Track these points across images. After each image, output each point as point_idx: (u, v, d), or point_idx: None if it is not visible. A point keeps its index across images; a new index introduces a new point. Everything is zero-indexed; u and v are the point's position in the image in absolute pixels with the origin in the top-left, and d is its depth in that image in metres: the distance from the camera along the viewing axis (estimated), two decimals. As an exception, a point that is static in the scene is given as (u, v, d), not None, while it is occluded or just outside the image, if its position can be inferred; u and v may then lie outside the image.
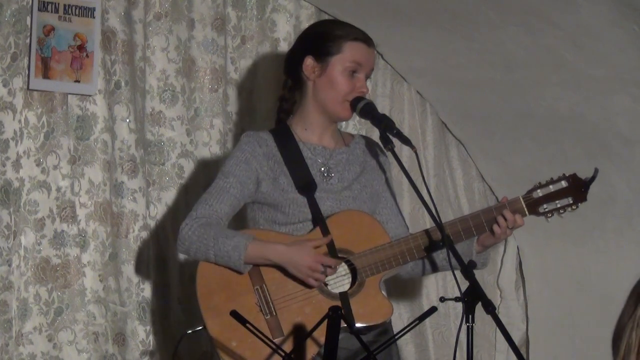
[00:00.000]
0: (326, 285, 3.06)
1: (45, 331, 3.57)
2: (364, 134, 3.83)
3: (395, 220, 3.27)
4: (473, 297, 2.68)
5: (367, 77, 3.19)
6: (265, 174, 3.12)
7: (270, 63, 4.04)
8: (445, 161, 4.43)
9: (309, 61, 3.17)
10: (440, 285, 4.31)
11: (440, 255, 3.17)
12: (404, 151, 3.78)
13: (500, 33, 3.84)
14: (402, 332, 2.77)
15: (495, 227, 3.08)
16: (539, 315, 4.47)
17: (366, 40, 3.18)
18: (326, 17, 4.12)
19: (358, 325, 3.02)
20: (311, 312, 2.99)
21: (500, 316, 3.05)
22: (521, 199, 3.12)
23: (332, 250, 3.06)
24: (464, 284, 2.74)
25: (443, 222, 3.02)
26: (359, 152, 3.27)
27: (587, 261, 4.27)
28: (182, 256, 3.89)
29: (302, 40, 3.26)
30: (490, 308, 2.63)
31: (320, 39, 3.18)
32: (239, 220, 3.85)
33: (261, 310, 3.00)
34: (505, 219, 3.08)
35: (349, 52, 3.14)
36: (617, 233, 4.14)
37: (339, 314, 2.61)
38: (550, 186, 3.12)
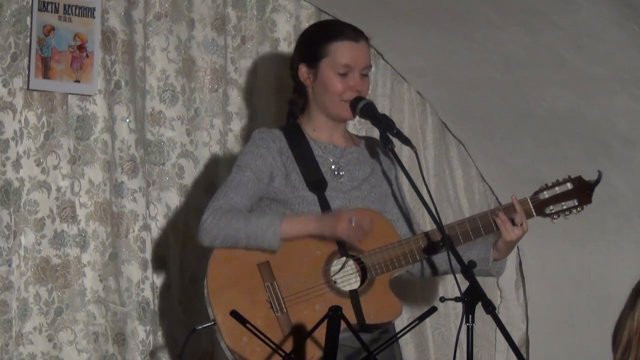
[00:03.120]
0: (335, 283, 3.06)
1: (45, 331, 3.57)
2: (364, 134, 3.83)
3: (405, 220, 3.29)
4: (473, 297, 2.68)
5: (364, 73, 3.18)
6: (279, 169, 3.12)
7: (270, 63, 4.04)
8: (445, 161, 4.43)
9: (302, 69, 3.18)
10: (440, 285, 4.32)
11: (441, 258, 3.18)
12: (404, 151, 3.78)
13: (500, 33, 3.84)
14: (402, 332, 2.78)
15: (499, 222, 3.10)
16: (539, 315, 4.48)
17: (353, 36, 3.17)
18: (326, 17, 4.12)
19: (368, 323, 3.03)
20: (321, 309, 2.98)
21: (500, 316, 3.06)
22: (528, 200, 3.14)
23: (343, 248, 3.07)
24: (464, 284, 2.74)
25: (450, 222, 3.05)
26: (368, 152, 3.27)
27: (587, 261, 4.27)
28: (181, 256, 3.89)
29: (296, 47, 3.28)
30: (490, 308, 2.63)
31: (308, 45, 3.20)
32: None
33: (272, 307, 3.01)
34: (501, 219, 3.10)
35: (336, 54, 3.14)
36: (617, 233, 4.14)
37: (339, 314, 2.61)
38: (556, 188, 3.16)
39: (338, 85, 3.14)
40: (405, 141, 3.04)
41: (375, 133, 3.23)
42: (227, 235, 3.01)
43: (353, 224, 2.99)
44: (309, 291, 3.03)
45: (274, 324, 2.98)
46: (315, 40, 3.18)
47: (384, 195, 3.26)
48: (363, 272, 3.07)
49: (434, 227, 3.09)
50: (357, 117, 3.23)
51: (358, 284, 3.08)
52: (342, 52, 3.14)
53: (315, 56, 3.15)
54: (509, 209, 3.13)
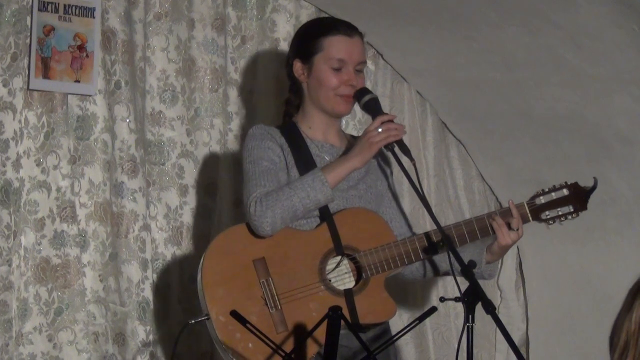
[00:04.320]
0: (330, 281, 3.06)
1: (45, 331, 3.57)
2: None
3: (399, 220, 3.28)
4: (473, 297, 2.68)
5: (358, 69, 3.17)
6: (283, 162, 3.12)
7: (270, 63, 4.04)
8: (445, 161, 4.43)
9: (297, 64, 3.19)
10: (440, 285, 4.31)
11: (442, 258, 3.17)
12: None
13: (500, 33, 3.84)
14: (402, 332, 2.78)
15: (495, 226, 3.09)
16: (539, 315, 4.47)
17: (346, 31, 3.17)
18: (318, 17, 4.11)
19: (362, 323, 3.02)
20: (315, 308, 2.99)
21: (500, 316, 3.06)
22: (525, 205, 3.14)
23: (339, 247, 3.06)
24: (464, 284, 2.74)
25: (447, 224, 3.04)
26: None
27: (587, 261, 4.27)
28: (182, 256, 3.89)
29: (291, 44, 3.29)
30: (490, 308, 2.63)
31: (302, 40, 3.21)
32: (241, 219, 3.85)
33: (266, 304, 3.00)
34: (497, 223, 3.10)
35: (330, 49, 3.14)
36: (617, 233, 4.14)
37: (338, 314, 2.61)
38: (552, 193, 3.17)
39: (332, 80, 3.14)
40: (405, 151, 3.01)
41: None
42: (282, 208, 2.98)
43: (382, 131, 3.01)
44: (304, 289, 3.03)
45: (267, 321, 2.97)
46: (309, 36, 3.18)
47: (379, 195, 3.26)
48: (358, 271, 3.07)
49: (431, 228, 3.09)
50: (357, 117, 3.23)
51: (353, 283, 3.07)
52: (336, 46, 3.14)
53: (310, 51, 3.16)
54: (505, 213, 3.13)
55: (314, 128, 3.21)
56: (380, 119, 3.03)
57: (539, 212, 3.16)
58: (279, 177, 3.09)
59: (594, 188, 3.15)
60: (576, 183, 3.18)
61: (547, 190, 3.18)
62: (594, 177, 3.14)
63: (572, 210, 3.17)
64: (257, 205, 2.99)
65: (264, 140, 3.12)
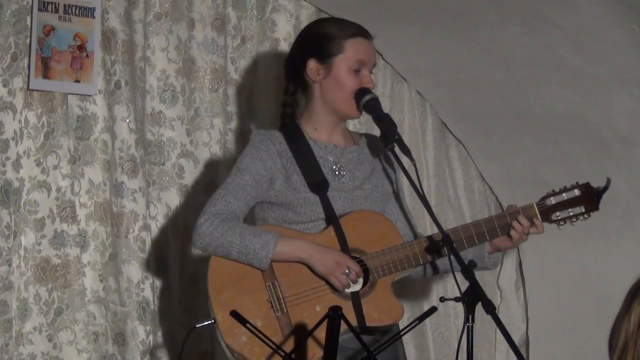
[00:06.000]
0: None
1: (45, 331, 3.57)
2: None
3: (403, 220, 3.28)
4: (473, 297, 2.68)
5: (371, 70, 3.19)
6: (279, 172, 3.11)
7: (270, 63, 4.04)
8: (445, 161, 4.43)
9: (312, 64, 3.15)
10: (440, 285, 4.31)
11: (444, 258, 3.17)
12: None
13: (500, 33, 3.84)
14: (402, 332, 2.78)
15: (513, 233, 3.10)
16: (539, 315, 4.48)
17: (364, 33, 3.17)
18: (326, 17, 4.11)
19: (368, 325, 3.02)
20: (322, 311, 2.97)
21: (500, 316, 3.06)
22: (535, 206, 3.13)
23: (345, 250, 3.05)
24: (464, 284, 2.74)
25: (456, 225, 3.05)
26: (368, 151, 3.26)
27: (587, 261, 4.27)
28: (181, 256, 3.89)
29: (301, 44, 3.23)
30: (490, 308, 2.63)
31: (319, 41, 3.15)
32: (245, 221, 3.85)
33: (272, 307, 3.00)
34: (521, 224, 3.09)
35: (351, 51, 3.13)
36: (617, 233, 4.14)
37: (339, 314, 2.61)
38: (564, 194, 3.14)
39: (352, 83, 3.12)
40: (405, 151, 3.00)
41: (376, 130, 3.22)
42: (220, 246, 3.00)
43: (347, 274, 3.00)
44: (310, 292, 3.02)
45: (273, 324, 2.97)
46: (328, 37, 3.14)
47: (386, 194, 3.25)
48: (365, 274, 3.06)
49: (435, 230, 3.08)
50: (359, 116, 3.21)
51: (360, 286, 3.07)
52: (357, 48, 3.13)
53: (329, 52, 3.13)
54: (513, 215, 3.12)
55: (320, 129, 3.19)
56: (357, 273, 3.02)
57: (549, 213, 3.13)
58: (252, 196, 3.09)
59: (606, 188, 3.11)
60: (588, 183, 3.15)
61: (558, 191, 3.15)
62: (607, 178, 3.11)
63: (583, 210, 3.14)
64: (207, 224, 3.01)
65: (260, 150, 3.12)
